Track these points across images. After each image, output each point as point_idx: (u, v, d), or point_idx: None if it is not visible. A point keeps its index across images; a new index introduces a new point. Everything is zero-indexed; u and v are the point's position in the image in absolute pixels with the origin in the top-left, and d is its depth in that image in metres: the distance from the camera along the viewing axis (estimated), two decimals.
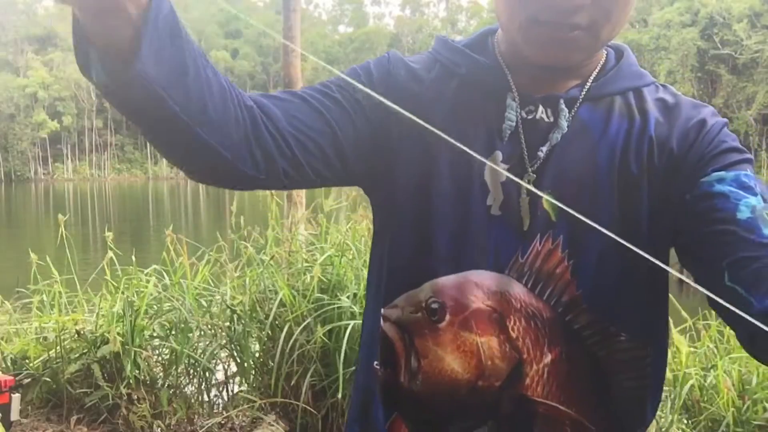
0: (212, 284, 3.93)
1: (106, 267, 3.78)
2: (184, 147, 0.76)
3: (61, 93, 78.46)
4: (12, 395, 3.14)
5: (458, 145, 0.69)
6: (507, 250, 0.85)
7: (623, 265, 0.83)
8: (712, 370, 3.01)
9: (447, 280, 0.86)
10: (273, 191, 3.94)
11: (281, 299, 3.34)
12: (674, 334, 3.16)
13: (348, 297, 3.25)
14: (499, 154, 0.86)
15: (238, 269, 3.85)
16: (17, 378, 3.35)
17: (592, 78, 0.89)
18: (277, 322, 3.38)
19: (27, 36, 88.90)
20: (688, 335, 3.27)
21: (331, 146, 0.85)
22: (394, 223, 0.92)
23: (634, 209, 0.84)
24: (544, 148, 0.85)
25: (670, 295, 0.94)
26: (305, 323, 3.23)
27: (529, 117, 0.87)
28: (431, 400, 0.86)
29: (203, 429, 3.41)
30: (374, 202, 0.97)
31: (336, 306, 3.23)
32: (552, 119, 0.86)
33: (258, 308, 3.52)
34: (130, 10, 0.65)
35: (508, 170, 0.84)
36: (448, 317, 0.85)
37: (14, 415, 3.15)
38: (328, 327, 3.20)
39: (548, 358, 0.84)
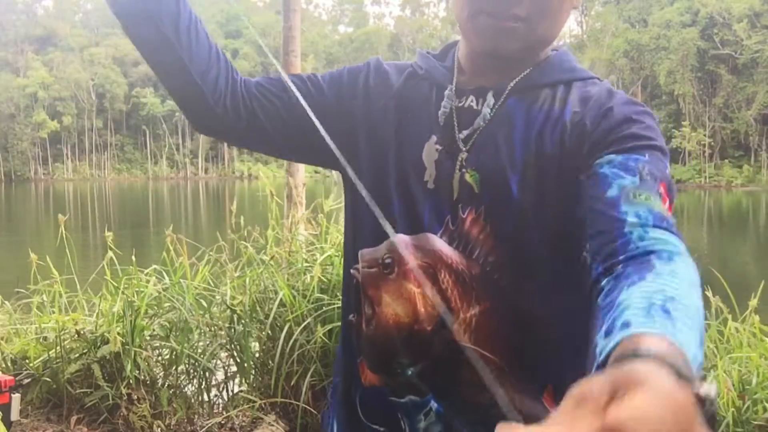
0: (212, 284, 3.93)
1: (106, 267, 3.77)
2: (174, 68, 1.01)
3: (61, 93, 78.14)
4: (12, 395, 3.14)
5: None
6: (440, 218, 1.00)
7: (535, 230, 0.96)
8: (712, 370, 3.00)
9: (400, 239, 1.01)
10: (273, 192, 3.94)
11: (281, 299, 3.34)
12: None
13: None
14: (434, 137, 1.02)
15: (238, 269, 3.85)
16: (17, 378, 3.35)
17: (524, 73, 1.01)
18: (277, 322, 3.38)
19: (27, 36, 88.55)
20: None
21: (284, 109, 1.06)
22: (358, 194, 1.07)
23: (546, 184, 0.96)
24: (466, 132, 1.00)
25: None
26: (305, 323, 3.24)
27: (460, 105, 1.02)
28: (381, 341, 1.01)
29: (203, 429, 3.41)
30: (344, 176, 1.13)
31: (336, 306, 3.23)
32: (479, 107, 1.01)
33: (258, 308, 3.53)
34: None
35: (443, 150, 1.00)
36: (396, 269, 1.00)
37: (14, 415, 3.15)
38: (328, 327, 3.20)
39: (476, 310, 0.98)
